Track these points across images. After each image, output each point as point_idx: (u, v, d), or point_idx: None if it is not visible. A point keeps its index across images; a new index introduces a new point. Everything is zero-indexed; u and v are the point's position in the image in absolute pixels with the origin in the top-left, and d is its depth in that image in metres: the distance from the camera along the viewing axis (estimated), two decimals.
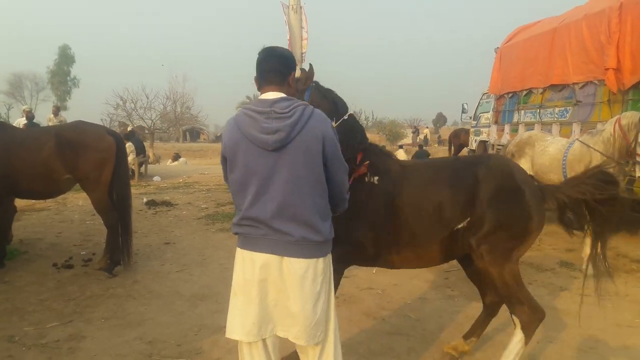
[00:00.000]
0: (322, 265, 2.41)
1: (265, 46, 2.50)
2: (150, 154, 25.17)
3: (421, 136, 39.39)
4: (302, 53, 10.54)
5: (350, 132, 3.30)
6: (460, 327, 4.33)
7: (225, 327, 3.21)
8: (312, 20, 10.75)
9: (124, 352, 3.78)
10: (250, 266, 2.39)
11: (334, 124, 3.24)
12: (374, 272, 5.89)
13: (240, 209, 2.41)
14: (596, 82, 8.31)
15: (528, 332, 3.17)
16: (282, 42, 10.27)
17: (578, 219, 3.28)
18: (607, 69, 7.76)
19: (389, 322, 4.47)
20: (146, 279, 5.52)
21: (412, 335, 4.17)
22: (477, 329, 3.75)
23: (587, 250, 5.69)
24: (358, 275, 5.76)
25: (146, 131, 31.64)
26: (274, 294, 2.38)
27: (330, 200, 2.59)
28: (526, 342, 3.19)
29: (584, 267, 6.00)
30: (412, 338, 4.11)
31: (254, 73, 2.49)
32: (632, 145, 5.67)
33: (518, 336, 3.20)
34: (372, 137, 33.15)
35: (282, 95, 2.37)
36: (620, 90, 7.62)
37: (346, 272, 5.73)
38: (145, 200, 10.58)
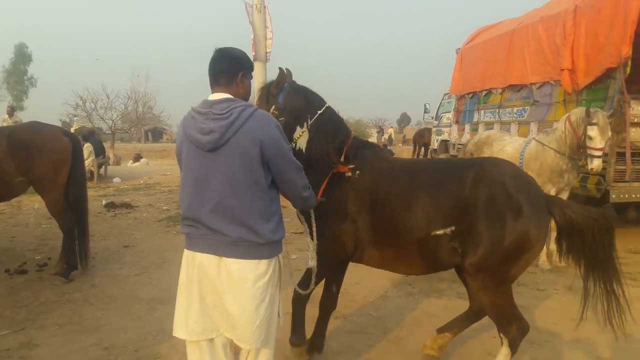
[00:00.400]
0: (264, 267, 2.39)
1: (218, 47, 2.48)
2: (111, 155, 24.60)
3: (386, 136, 39.74)
4: (266, 52, 10.50)
5: (325, 125, 3.26)
6: (420, 324, 4.39)
7: None
8: (279, 21, 10.72)
9: (80, 359, 3.67)
10: (191, 266, 2.41)
11: (309, 120, 3.24)
12: None
13: (183, 208, 2.44)
14: (552, 82, 8.56)
15: (514, 348, 3.09)
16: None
17: (570, 247, 3.01)
18: (562, 70, 8.01)
19: (351, 320, 4.48)
20: (104, 283, 5.38)
21: (373, 333, 4.19)
22: (454, 327, 3.60)
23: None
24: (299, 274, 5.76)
25: (106, 132, 30.97)
26: (213, 294, 2.38)
27: (290, 200, 2.61)
28: (511, 357, 3.13)
29: (539, 262, 6.19)
30: (372, 336, 4.13)
31: None
32: (582, 139, 5.88)
33: (504, 352, 3.11)
34: None
35: (226, 96, 2.37)
36: (575, 91, 7.87)
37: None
38: (104, 202, 10.32)
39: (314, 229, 3.14)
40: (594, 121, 5.76)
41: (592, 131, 5.77)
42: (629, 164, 6.93)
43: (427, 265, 3.22)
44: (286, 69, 3.37)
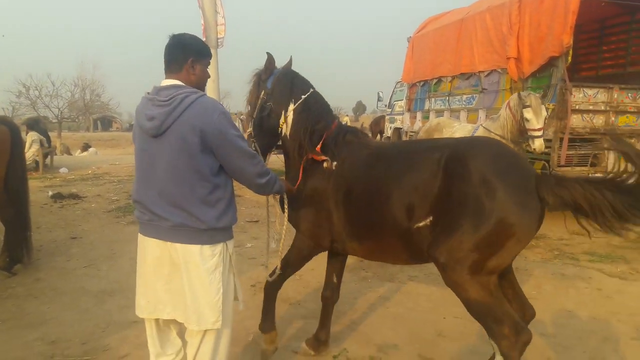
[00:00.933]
0: (208, 252, 2.43)
1: (172, 33, 2.50)
2: (57, 144, 23.76)
3: None
4: (217, 38, 10.31)
5: (308, 111, 3.19)
6: (373, 307, 4.47)
7: (135, 322, 3.33)
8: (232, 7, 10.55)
9: (23, 355, 3.54)
10: (142, 249, 2.52)
11: (292, 106, 3.20)
12: None
13: (132, 192, 2.52)
14: (499, 70, 8.81)
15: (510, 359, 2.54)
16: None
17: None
18: (508, 59, 8.25)
19: (305, 306, 4.52)
20: (50, 277, 5.19)
21: None
22: None
23: None
24: (275, 263, 5.75)
25: (53, 120, 29.90)
26: (161, 277, 2.47)
27: (246, 186, 2.64)
28: None
29: None
30: None
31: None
32: (521, 123, 6.16)
33: None
34: None
35: (174, 82, 2.41)
36: (521, 79, 8.13)
37: (264, 260, 5.75)
38: (50, 193, 9.92)
39: (285, 214, 3.12)
40: (527, 104, 6.06)
41: (528, 113, 6.07)
42: (565, 149, 7.26)
43: (414, 256, 2.95)
44: (291, 56, 3.39)
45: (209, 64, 2.58)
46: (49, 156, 15.20)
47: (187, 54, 2.44)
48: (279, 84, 3.24)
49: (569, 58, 7.31)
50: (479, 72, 9.36)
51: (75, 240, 6.66)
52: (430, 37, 11.55)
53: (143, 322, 3.93)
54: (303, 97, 3.21)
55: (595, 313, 4.41)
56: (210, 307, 2.44)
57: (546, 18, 7.52)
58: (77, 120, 40.22)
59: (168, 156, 2.33)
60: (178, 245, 2.39)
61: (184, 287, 2.42)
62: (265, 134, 3.31)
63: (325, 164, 3.10)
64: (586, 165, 7.67)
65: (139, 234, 2.53)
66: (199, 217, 2.37)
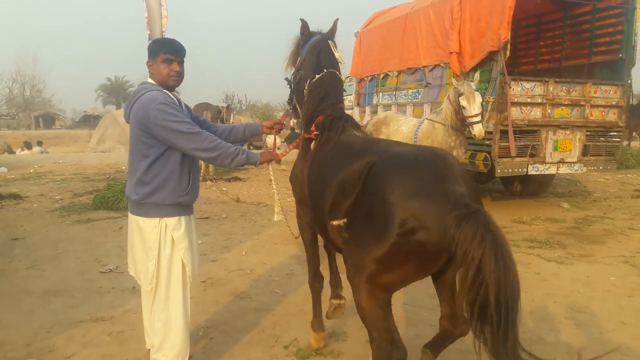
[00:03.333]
0: (143, 224, 2.92)
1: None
2: None
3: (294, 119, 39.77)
4: (162, 32, 10.15)
5: (316, 90, 3.18)
6: (323, 297, 4.53)
7: (81, 321, 3.62)
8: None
9: None
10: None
11: (310, 80, 3.26)
12: (243, 253, 5.94)
13: None
14: (443, 65, 9.05)
15: None
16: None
17: None
18: (451, 53, 8.49)
19: (256, 299, 4.55)
20: None
21: (277, 310, 4.30)
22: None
23: None
24: (227, 258, 5.78)
25: None
26: (131, 241, 3.06)
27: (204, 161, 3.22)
28: None
29: None
30: (277, 312, 4.24)
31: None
32: (460, 112, 6.39)
33: None
34: (246, 119, 32.91)
35: (145, 81, 2.95)
36: (463, 73, 8.38)
37: (215, 255, 5.75)
38: None
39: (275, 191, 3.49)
40: (461, 92, 6.30)
41: (463, 101, 6.33)
42: (512, 140, 7.53)
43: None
44: (337, 19, 3.39)
45: (163, 59, 2.84)
46: None
47: (149, 56, 2.91)
48: (309, 54, 3.31)
49: (507, 52, 7.58)
50: (424, 66, 9.58)
51: (17, 241, 6.43)
52: (377, 32, 11.70)
53: (89, 321, 3.97)
54: (317, 75, 3.22)
55: (533, 295, 4.65)
56: (143, 272, 2.95)
57: (485, 13, 7.78)
58: (16, 117, 38.43)
59: (130, 139, 2.88)
60: (129, 214, 2.98)
61: (134, 249, 3.00)
62: (300, 98, 3.45)
63: (312, 144, 3.11)
64: (525, 156, 8.00)
65: None
66: (134, 191, 2.88)
